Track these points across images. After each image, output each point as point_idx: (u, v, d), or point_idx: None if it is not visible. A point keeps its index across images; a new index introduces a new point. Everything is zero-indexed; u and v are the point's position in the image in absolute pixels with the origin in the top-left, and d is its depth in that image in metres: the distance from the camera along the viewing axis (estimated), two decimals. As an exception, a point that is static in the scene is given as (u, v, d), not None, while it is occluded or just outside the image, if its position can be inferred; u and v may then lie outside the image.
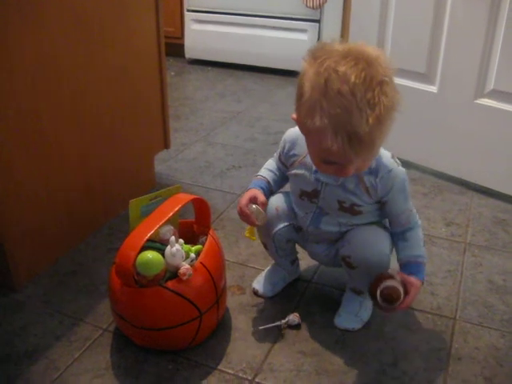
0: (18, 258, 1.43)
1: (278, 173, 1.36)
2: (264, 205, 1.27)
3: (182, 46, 3.72)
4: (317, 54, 1.02)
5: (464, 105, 1.97)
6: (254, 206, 1.24)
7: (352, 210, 1.23)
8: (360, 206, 1.22)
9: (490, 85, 1.89)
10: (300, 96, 1.05)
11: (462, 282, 1.51)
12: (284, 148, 1.29)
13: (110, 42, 1.61)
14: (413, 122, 2.12)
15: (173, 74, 3.50)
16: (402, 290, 1.14)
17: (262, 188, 1.31)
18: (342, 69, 0.97)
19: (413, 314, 1.39)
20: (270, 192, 1.35)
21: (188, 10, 3.62)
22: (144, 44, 1.77)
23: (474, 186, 2.03)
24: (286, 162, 1.30)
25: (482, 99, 1.93)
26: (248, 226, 1.30)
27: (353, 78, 0.96)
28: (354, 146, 1.00)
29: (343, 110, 0.97)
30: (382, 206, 1.24)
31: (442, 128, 2.06)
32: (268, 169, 1.37)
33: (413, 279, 1.19)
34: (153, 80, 1.86)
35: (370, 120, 0.97)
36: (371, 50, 1.02)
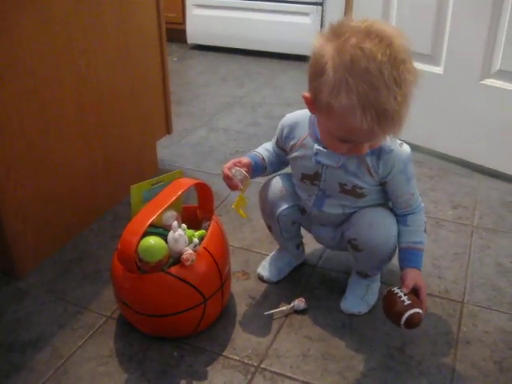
0: (20, 245, 1.42)
1: (274, 154, 1.35)
2: (246, 166, 1.25)
3: (183, 32, 3.68)
4: (338, 30, 1.00)
5: (470, 86, 1.93)
6: (236, 168, 1.22)
7: (354, 193, 1.21)
8: (362, 188, 1.20)
9: (497, 65, 1.86)
10: (319, 73, 1.01)
11: (470, 265, 1.49)
12: (282, 132, 1.28)
13: (110, 25, 1.58)
14: (418, 104, 2.06)
15: (175, 59, 3.47)
16: (419, 309, 1.09)
17: (253, 160, 1.30)
18: (367, 46, 0.96)
19: (420, 297, 1.37)
20: (263, 168, 1.33)
21: (189, -5, 3.58)
22: (144, 29, 1.75)
23: (481, 168, 2.00)
24: (284, 147, 1.29)
25: (489, 80, 1.90)
26: (236, 197, 1.25)
27: (379, 56, 0.95)
28: (382, 124, 0.99)
29: (371, 88, 0.95)
30: (383, 185, 1.22)
31: (448, 110, 2.03)
32: (265, 147, 1.36)
33: (414, 275, 1.16)
34: (154, 65, 1.83)
35: (399, 98, 0.96)
36: (390, 28, 1.00)
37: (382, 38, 0.97)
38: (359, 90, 0.96)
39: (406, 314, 1.08)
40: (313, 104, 1.07)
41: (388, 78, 0.95)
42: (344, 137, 1.06)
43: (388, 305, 1.13)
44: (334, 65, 0.98)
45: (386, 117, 0.98)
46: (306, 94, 1.08)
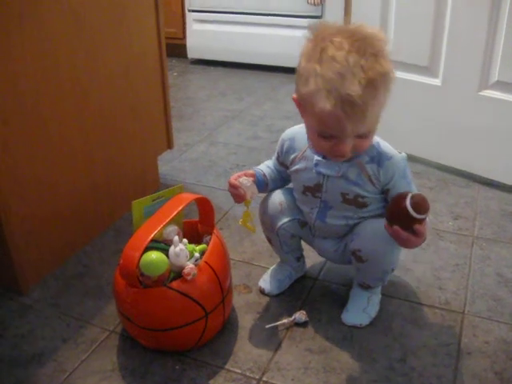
0: (23, 261, 1.43)
1: (275, 171, 1.37)
2: (252, 177, 1.28)
3: (184, 47, 3.72)
4: (315, 31, 1.07)
5: (468, 97, 1.95)
6: (243, 178, 1.24)
7: (356, 202, 1.22)
8: (364, 196, 1.21)
9: (495, 76, 1.87)
10: (298, 71, 1.08)
11: (471, 276, 1.50)
12: (283, 147, 1.30)
13: (111, 44, 1.60)
14: (417, 116, 2.10)
15: (175, 74, 3.49)
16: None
17: (256, 174, 1.32)
18: (337, 39, 1.02)
19: (421, 309, 1.38)
20: (265, 184, 1.35)
21: (189, 10, 3.61)
22: (145, 45, 1.77)
23: (480, 178, 2.01)
24: (285, 162, 1.31)
25: (487, 91, 1.91)
26: (243, 213, 1.27)
27: (347, 47, 1.00)
28: (346, 109, 1.01)
29: (336, 74, 1.00)
30: (385, 193, 1.23)
31: (447, 121, 2.04)
32: (266, 165, 1.39)
33: None
34: (154, 81, 1.85)
35: (363, 81, 0.99)
36: (369, 28, 1.05)
37: (354, 33, 1.03)
38: (325, 76, 1.01)
39: (409, 196, 1.08)
40: (300, 105, 1.12)
41: (354, 65, 0.99)
42: (320, 130, 1.09)
43: (394, 202, 1.12)
44: (306, 58, 1.06)
45: (351, 102, 1.00)
46: (294, 95, 1.13)
